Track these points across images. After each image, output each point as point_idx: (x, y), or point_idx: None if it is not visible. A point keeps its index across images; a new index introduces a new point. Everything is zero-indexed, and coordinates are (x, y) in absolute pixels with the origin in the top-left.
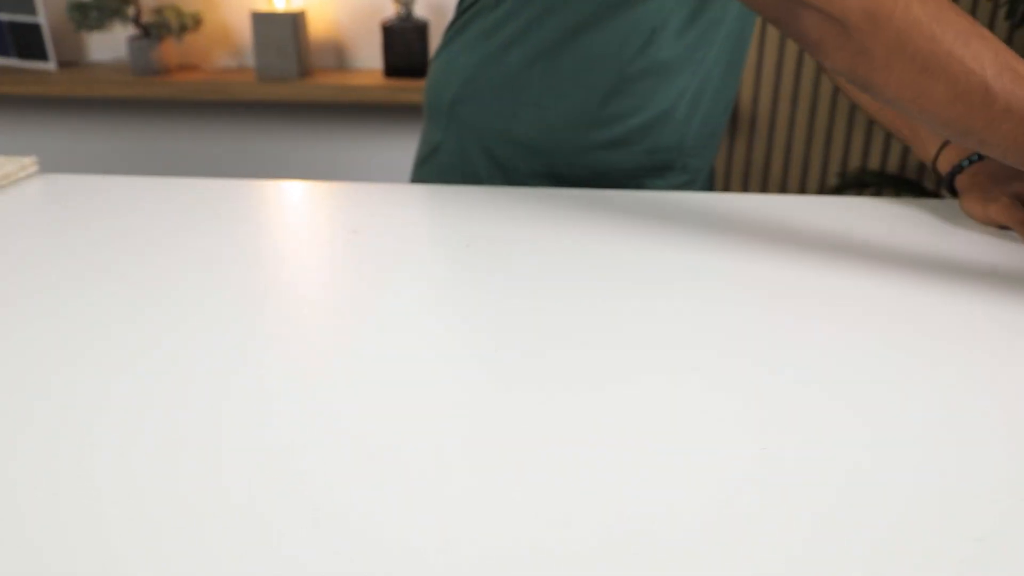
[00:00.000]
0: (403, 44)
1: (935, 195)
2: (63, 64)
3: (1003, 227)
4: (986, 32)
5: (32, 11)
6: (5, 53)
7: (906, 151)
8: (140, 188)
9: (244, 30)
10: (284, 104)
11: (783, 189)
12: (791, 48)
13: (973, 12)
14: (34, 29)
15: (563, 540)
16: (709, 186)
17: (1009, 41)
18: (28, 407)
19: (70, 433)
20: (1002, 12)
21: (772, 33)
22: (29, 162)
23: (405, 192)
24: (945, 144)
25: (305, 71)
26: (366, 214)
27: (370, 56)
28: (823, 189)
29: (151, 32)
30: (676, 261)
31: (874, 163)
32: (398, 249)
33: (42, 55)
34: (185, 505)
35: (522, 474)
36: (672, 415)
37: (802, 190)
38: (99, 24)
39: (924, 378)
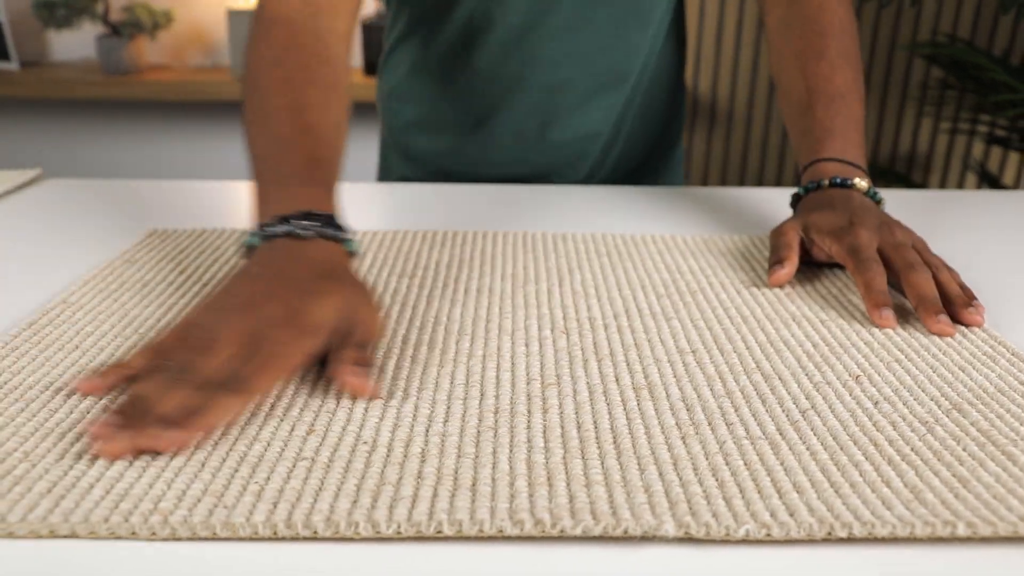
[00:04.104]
0: (383, 42)
1: (910, 183)
2: (25, 64)
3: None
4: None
5: None
6: None
7: (879, 144)
8: (131, 189)
9: (217, 28)
10: None
11: (760, 182)
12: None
13: (978, 6)
14: None
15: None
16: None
17: (1013, 35)
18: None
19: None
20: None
21: (749, 28)
22: (34, 174)
23: (399, 190)
24: (808, 165)
25: None
26: (359, 212)
27: None
28: (800, 181)
29: (121, 30)
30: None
31: None
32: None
33: (3, 54)
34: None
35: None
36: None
37: (779, 183)
38: (67, 22)
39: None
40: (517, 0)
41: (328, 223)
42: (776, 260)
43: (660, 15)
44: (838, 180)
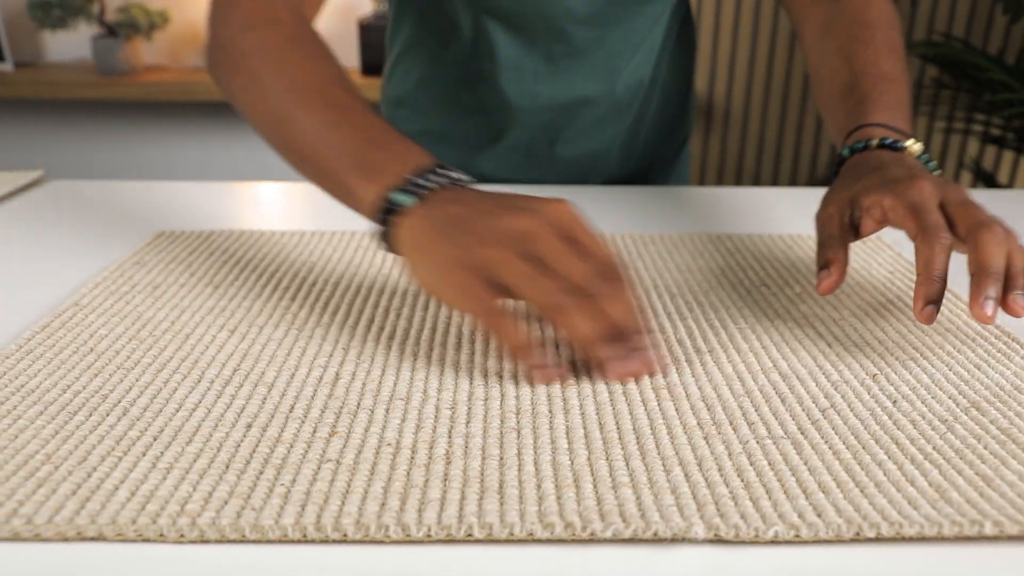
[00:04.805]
0: (381, 42)
1: None
2: (20, 65)
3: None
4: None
5: None
6: None
7: None
8: (133, 191)
9: None
10: None
11: (756, 181)
12: (763, 43)
13: (973, 6)
14: None
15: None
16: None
17: (1007, 35)
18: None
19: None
20: (999, 7)
21: (745, 29)
22: (36, 175)
23: None
24: (852, 131)
25: None
26: (341, 213)
27: (345, 54)
28: (795, 179)
29: (117, 31)
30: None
31: None
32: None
33: None
34: None
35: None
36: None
37: (775, 181)
38: (62, 23)
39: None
40: (520, 22)
41: (460, 177)
42: (823, 263)
43: (667, 27)
44: (888, 141)
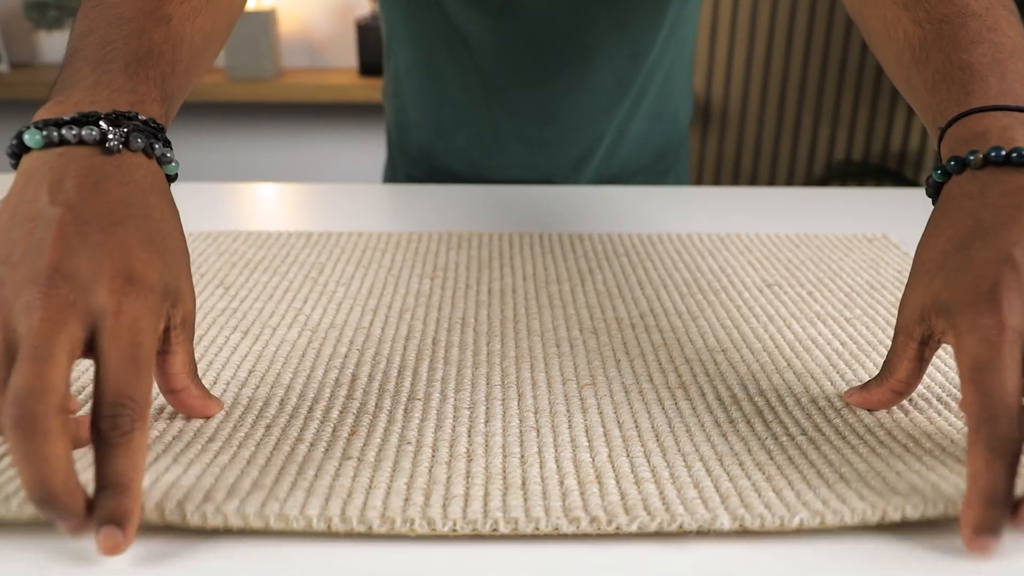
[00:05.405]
0: (379, 42)
1: (903, 179)
2: (15, 65)
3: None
4: None
5: None
6: None
7: (870, 141)
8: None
9: None
10: (257, 105)
11: (753, 181)
12: (760, 43)
13: None
14: None
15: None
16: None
17: None
18: None
19: None
20: None
21: (743, 28)
22: None
23: (409, 192)
24: (949, 125)
25: (277, 71)
26: (346, 214)
27: (344, 55)
28: (792, 179)
29: None
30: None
31: (839, 154)
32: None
33: None
34: None
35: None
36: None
37: (771, 181)
38: (58, 23)
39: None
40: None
41: (144, 131)
42: (872, 382)
43: (670, 19)
44: (1002, 154)
